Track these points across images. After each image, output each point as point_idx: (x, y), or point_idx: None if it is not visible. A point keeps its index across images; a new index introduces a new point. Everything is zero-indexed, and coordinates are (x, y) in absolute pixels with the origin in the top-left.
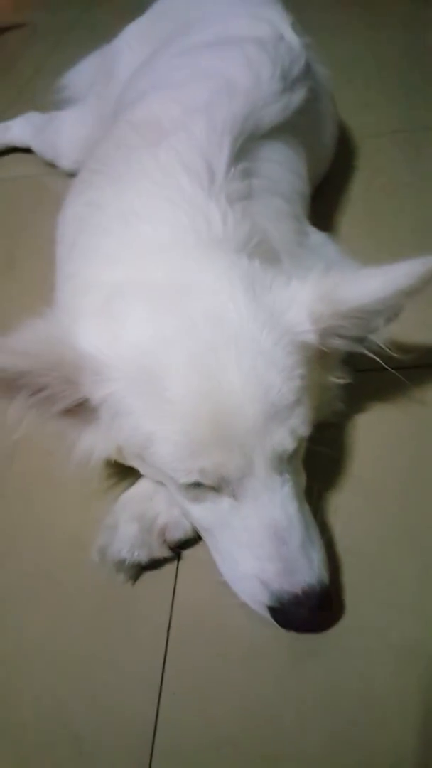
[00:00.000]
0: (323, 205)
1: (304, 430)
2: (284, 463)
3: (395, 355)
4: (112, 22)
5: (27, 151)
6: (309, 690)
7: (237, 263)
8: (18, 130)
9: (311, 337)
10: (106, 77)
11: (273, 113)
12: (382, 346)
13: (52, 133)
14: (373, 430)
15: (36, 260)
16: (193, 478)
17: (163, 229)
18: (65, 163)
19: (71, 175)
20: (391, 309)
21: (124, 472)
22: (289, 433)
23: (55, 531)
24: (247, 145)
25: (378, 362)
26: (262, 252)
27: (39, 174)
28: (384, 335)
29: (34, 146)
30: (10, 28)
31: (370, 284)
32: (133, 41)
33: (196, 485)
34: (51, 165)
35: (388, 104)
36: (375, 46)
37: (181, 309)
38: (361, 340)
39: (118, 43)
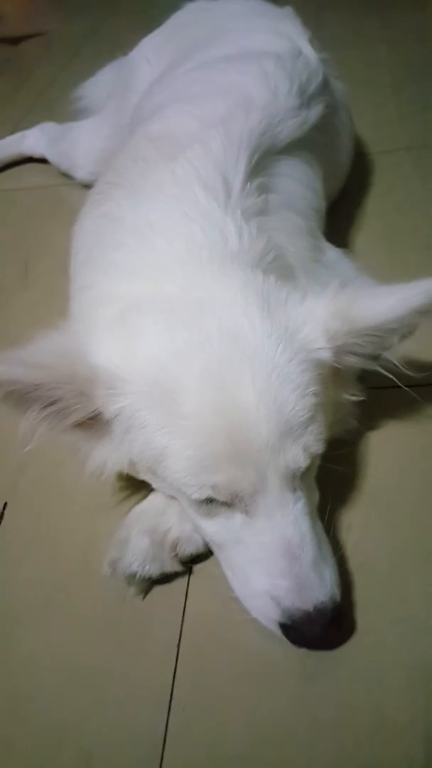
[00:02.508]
0: (338, 220)
1: (318, 448)
2: (297, 480)
3: (410, 372)
4: (128, 32)
5: (42, 161)
6: (320, 708)
7: (252, 279)
8: (33, 140)
9: (326, 355)
10: (123, 89)
11: (290, 129)
12: (397, 363)
13: (67, 144)
14: (387, 448)
15: (50, 270)
16: (206, 493)
17: (179, 243)
18: (81, 174)
19: (87, 186)
20: (406, 327)
21: (136, 486)
22: (302, 450)
23: (66, 543)
24: (263, 161)
25: (392, 380)
26: (278, 268)
27: (54, 184)
28: (398, 353)
29: (49, 157)
30: (27, 38)
31: (385, 302)
32: (150, 54)
33: (209, 501)
34: (66, 176)
35: (404, 120)
36: (391, 62)
37: (196, 324)
38: (375, 358)
39: (135, 55)
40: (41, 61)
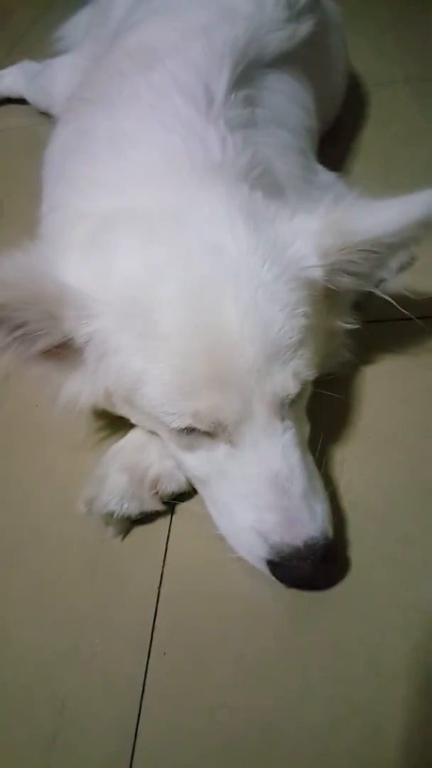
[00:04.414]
0: (335, 152)
1: (308, 374)
2: (286, 408)
3: (412, 296)
4: None
5: (21, 101)
6: (311, 653)
7: (236, 192)
8: (11, 79)
9: (318, 273)
10: (102, 17)
11: (277, 41)
12: (397, 288)
13: (45, 80)
14: (383, 382)
15: (27, 210)
16: (186, 422)
17: (156, 153)
18: (59, 111)
19: None
20: (405, 244)
21: (115, 425)
22: (291, 375)
23: (42, 484)
24: (249, 72)
25: (388, 313)
26: (265, 184)
27: (32, 124)
28: (398, 282)
29: (27, 95)
30: None
31: (384, 214)
32: None
33: (190, 431)
34: (45, 115)
35: (402, 52)
36: None
37: (174, 238)
38: (371, 280)
39: None
40: (21, 2)
